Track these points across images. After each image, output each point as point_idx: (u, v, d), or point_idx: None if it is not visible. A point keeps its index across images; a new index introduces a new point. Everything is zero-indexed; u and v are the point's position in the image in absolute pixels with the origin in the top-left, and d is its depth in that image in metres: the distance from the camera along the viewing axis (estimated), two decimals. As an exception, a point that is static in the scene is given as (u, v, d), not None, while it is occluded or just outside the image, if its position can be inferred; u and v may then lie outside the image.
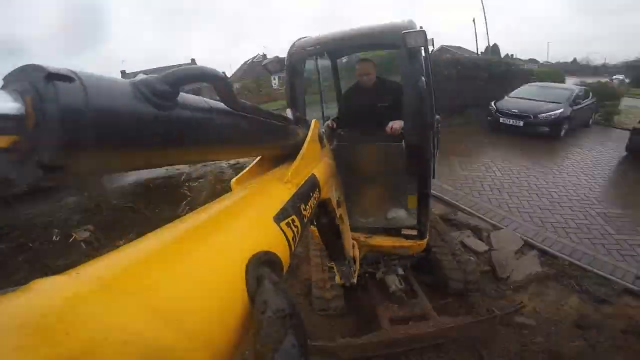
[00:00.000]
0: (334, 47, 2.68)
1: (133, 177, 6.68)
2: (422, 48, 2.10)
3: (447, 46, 28.59)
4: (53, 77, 0.31)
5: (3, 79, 0.33)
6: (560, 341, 2.56)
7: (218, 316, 0.40)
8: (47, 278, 0.32)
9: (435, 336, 2.47)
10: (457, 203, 4.94)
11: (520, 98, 8.83)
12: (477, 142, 7.99)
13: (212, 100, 0.57)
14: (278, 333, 0.39)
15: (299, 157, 0.98)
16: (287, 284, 3.60)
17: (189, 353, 0.34)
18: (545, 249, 3.82)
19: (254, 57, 39.47)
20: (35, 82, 0.31)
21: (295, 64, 2.42)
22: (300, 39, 2.53)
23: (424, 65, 2.21)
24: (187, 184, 6.38)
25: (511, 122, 8.24)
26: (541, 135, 7.93)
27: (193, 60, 35.03)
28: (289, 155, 1.03)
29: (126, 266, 0.38)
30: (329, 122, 2.80)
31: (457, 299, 3.10)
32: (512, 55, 25.39)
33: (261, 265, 0.50)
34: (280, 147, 1.00)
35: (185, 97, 0.49)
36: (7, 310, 0.27)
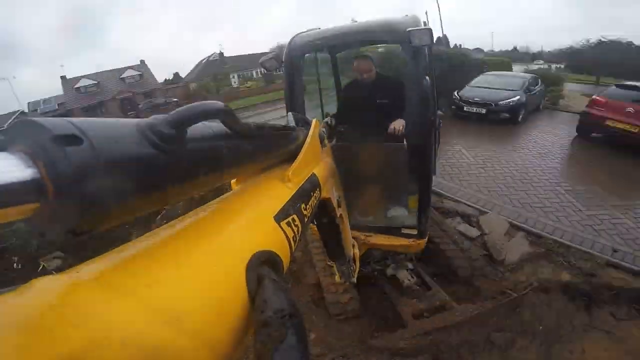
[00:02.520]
0: (336, 43, 2.59)
1: None
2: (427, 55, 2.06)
3: None
4: (60, 140, 0.30)
5: (3, 134, 0.32)
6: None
7: (218, 316, 0.40)
8: (47, 277, 0.32)
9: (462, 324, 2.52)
10: (441, 191, 5.07)
11: (480, 87, 9.32)
12: (445, 130, 8.18)
13: (214, 125, 0.56)
14: (278, 333, 0.38)
15: (299, 156, 0.98)
16: (291, 288, 3.50)
17: (189, 353, 0.34)
18: (530, 229, 4.08)
19: (210, 56, 38.35)
20: (43, 144, 0.30)
21: (294, 60, 2.34)
22: (298, 33, 2.44)
23: (428, 63, 2.16)
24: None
25: (475, 110, 8.70)
26: (502, 121, 8.46)
27: (142, 61, 32.63)
28: (289, 155, 1.03)
29: (126, 265, 0.38)
30: (327, 119, 2.63)
31: (463, 284, 3.19)
32: (460, 45, 26.23)
33: (261, 265, 0.50)
34: (281, 155, 0.98)
35: (194, 130, 0.48)
36: (6, 309, 0.27)
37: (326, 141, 1.36)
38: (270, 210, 0.68)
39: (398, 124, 2.34)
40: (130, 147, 0.38)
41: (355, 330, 2.81)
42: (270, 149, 0.84)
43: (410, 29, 1.85)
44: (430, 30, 1.85)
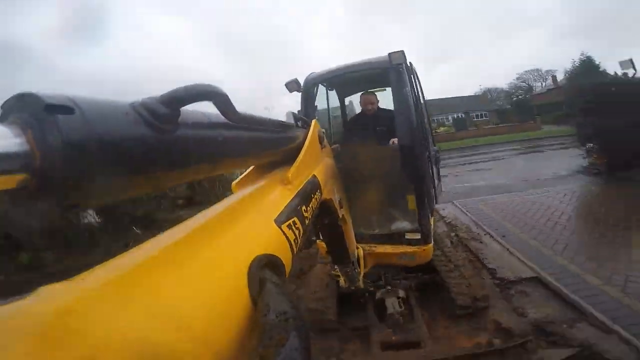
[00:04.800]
0: (335, 75, 3.14)
1: None
2: (405, 68, 2.63)
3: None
4: (52, 109, 0.30)
5: (1, 108, 0.32)
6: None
7: (221, 319, 0.40)
8: (53, 284, 0.32)
9: None
10: (588, 306, 2.83)
11: None
12: None
13: (211, 114, 0.56)
14: (281, 336, 0.38)
15: (299, 158, 0.97)
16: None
17: (193, 356, 0.34)
18: None
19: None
20: (35, 114, 0.30)
21: (308, 90, 3.07)
22: (312, 72, 3.19)
23: (408, 82, 2.66)
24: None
25: None
26: None
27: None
28: (289, 155, 1.02)
29: (130, 271, 0.38)
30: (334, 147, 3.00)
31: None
32: None
33: (263, 268, 0.50)
34: (280, 153, 0.99)
35: (185, 114, 0.48)
36: (14, 316, 0.27)
37: (326, 141, 1.38)
38: (270, 214, 0.69)
39: (396, 139, 2.74)
40: (123, 122, 0.38)
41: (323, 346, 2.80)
42: (266, 143, 0.83)
43: (389, 52, 2.48)
44: (402, 51, 2.49)
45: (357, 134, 3.28)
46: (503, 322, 2.78)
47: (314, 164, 1.13)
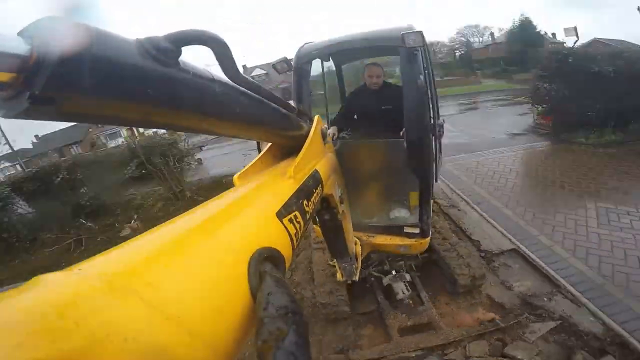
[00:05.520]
0: (338, 50, 2.67)
1: (210, 176, 7.83)
2: (421, 50, 2.21)
3: (601, 39, 21.19)
4: (64, 22, 0.34)
5: (24, 28, 0.34)
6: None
7: (220, 313, 0.40)
8: (50, 274, 0.32)
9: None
10: (563, 281, 3.27)
11: None
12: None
13: (216, 74, 0.56)
14: (280, 330, 0.37)
15: (301, 152, 0.96)
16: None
17: (191, 350, 0.34)
18: None
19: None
20: (49, 27, 0.33)
21: (302, 66, 2.59)
22: (306, 43, 2.70)
23: (423, 65, 2.30)
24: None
25: None
26: None
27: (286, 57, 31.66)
28: (291, 150, 1.02)
29: (128, 262, 0.37)
30: (331, 130, 2.76)
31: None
32: None
33: (263, 262, 0.50)
34: (282, 136, 0.97)
35: (188, 62, 0.49)
36: (9, 307, 0.27)
37: (328, 137, 1.33)
38: (272, 207, 0.68)
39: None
40: (125, 47, 0.40)
41: (340, 334, 2.93)
42: (266, 115, 0.80)
43: (403, 32, 1.99)
44: (421, 32, 2.00)
45: (360, 113, 3.03)
46: (496, 297, 3.15)
47: (316, 158, 1.12)
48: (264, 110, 0.77)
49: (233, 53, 0.55)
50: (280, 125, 0.90)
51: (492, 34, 40.08)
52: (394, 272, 3.27)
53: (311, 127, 1.11)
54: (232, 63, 0.55)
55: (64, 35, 0.32)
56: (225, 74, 0.57)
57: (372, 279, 3.31)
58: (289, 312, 0.40)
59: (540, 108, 8.86)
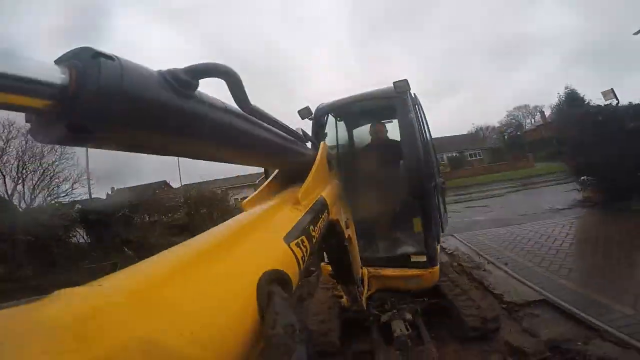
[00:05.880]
0: (343, 105, 3.36)
1: None
2: (410, 98, 2.78)
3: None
4: (98, 54, 0.36)
5: (62, 56, 0.37)
6: None
7: (231, 331, 0.42)
8: (72, 288, 0.34)
9: None
10: (600, 323, 2.77)
11: None
12: None
13: (232, 107, 0.60)
14: (287, 348, 0.40)
15: (308, 178, 1.01)
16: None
17: None
18: None
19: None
20: (84, 58, 0.36)
21: (318, 118, 3.34)
22: (322, 103, 3.47)
23: (412, 110, 2.82)
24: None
25: None
26: None
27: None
28: (298, 175, 1.06)
29: (146, 280, 0.40)
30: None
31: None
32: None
33: (271, 283, 0.53)
34: (290, 162, 1.02)
35: (204, 94, 0.53)
36: (32, 317, 0.29)
37: (334, 164, 1.40)
38: (280, 232, 0.72)
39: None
40: (150, 79, 0.43)
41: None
42: (278, 146, 0.84)
43: (394, 81, 2.62)
44: (406, 80, 2.62)
45: (367, 164, 3.41)
46: (515, 343, 2.66)
47: (323, 185, 1.16)
48: (274, 138, 0.80)
49: (244, 84, 0.58)
50: (288, 151, 0.93)
51: (541, 112, 37.75)
52: (394, 311, 3.01)
53: (317, 153, 1.16)
54: (244, 94, 0.58)
55: (99, 69, 0.35)
56: (238, 105, 0.59)
57: (371, 317, 3.05)
58: (295, 330, 0.42)
59: (586, 178, 8.00)
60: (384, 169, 3.14)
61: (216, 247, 0.56)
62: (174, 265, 0.46)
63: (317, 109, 3.31)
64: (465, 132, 41.46)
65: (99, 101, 0.35)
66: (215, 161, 0.68)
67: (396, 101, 2.79)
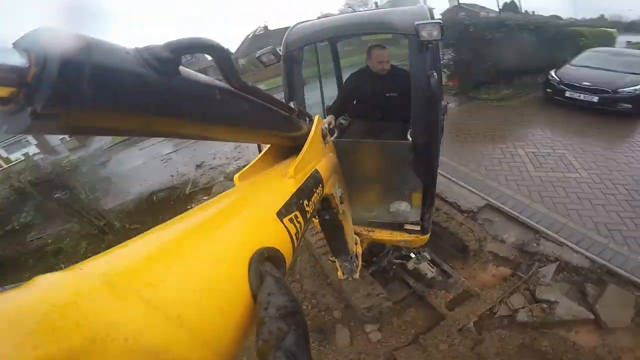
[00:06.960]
0: (338, 34, 2.32)
1: (133, 196, 6.52)
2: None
3: (463, 4, 23.15)
4: (62, 33, 0.33)
5: (19, 39, 0.32)
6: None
7: (220, 313, 0.40)
8: (50, 274, 0.32)
9: None
10: (539, 226, 3.73)
11: (588, 67, 7.09)
12: (536, 120, 6.62)
13: (217, 81, 0.56)
14: (280, 330, 0.38)
15: (302, 152, 0.97)
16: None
17: (191, 350, 0.34)
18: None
19: (256, 30, 33.91)
20: (45, 39, 0.32)
21: (293, 53, 2.19)
22: (297, 24, 2.28)
23: (436, 57, 2.09)
24: (193, 192, 6.24)
25: (582, 97, 6.54)
26: (620, 114, 6.21)
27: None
28: (292, 150, 1.03)
29: (129, 262, 0.38)
30: (328, 119, 2.52)
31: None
32: (532, 12, 19.83)
33: (264, 262, 0.50)
34: (282, 137, 0.98)
35: (188, 70, 0.49)
36: (8, 306, 0.27)
37: (329, 137, 1.33)
38: (272, 207, 0.68)
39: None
40: (124, 57, 0.38)
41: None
42: (266, 119, 0.79)
43: (418, 22, 1.72)
44: (440, 24, 1.70)
45: (362, 99, 2.75)
46: (498, 252, 3.49)
47: (317, 158, 1.13)
48: (265, 114, 0.76)
49: (232, 59, 0.54)
50: (281, 127, 0.90)
51: (376, 3, 34.39)
52: (412, 255, 3.28)
53: (311, 127, 1.10)
54: (232, 68, 0.55)
55: (62, 47, 0.31)
56: (225, 80, 0.56)
57: (394, 267, 3.28)
58: (289, 312, 0.40)
59: (447, 72, 9.85)
60: (386, 110, 2.61)
61: (204, 224, 0.53)
62: (159, 247, 0.43)
63: (288, 42, 2.18)
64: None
65: (64, 82, 0.31)
66: (202, 139, 0.65)
67: (414, 46, 1.88)
